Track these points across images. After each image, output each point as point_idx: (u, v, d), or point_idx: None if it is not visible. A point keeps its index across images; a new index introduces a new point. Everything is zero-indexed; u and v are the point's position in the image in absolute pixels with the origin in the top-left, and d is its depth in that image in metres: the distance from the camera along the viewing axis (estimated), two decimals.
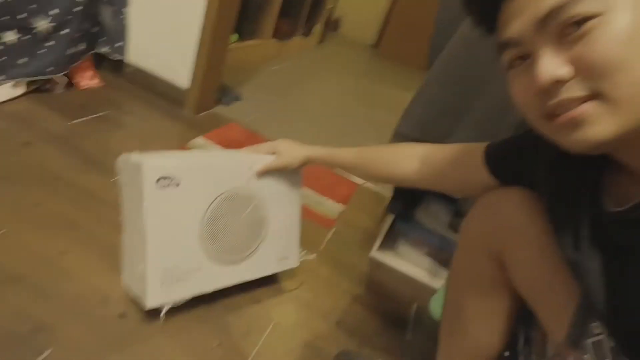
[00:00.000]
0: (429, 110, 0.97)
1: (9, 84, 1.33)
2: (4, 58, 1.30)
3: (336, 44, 4.34)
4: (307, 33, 3.39)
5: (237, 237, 0.89)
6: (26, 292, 0.80)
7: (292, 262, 1.00)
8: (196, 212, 0.83)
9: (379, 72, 3.95)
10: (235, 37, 2.38)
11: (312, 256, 1.04)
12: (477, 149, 0.70)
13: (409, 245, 1.28)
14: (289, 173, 0.95)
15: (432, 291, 1.22)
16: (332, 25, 4.45)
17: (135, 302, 0.85)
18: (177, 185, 0.78)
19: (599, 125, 0.41)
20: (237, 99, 2.01)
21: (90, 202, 1.07)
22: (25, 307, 0.77)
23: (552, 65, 0.42)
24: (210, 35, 1.60)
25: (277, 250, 0.97)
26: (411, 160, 0.77)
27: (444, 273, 1.26)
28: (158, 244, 0.79)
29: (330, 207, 1.42)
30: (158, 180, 0.76)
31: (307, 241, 1.11)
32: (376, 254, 1.28)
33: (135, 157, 0.77)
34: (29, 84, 1.40)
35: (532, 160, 0.63)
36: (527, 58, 0.45)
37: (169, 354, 0.79)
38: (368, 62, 4.32)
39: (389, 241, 1.31)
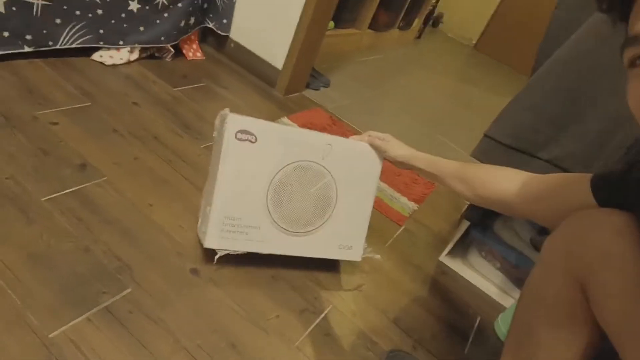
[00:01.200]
0: (529, 116, 0.90)
1: (127, 48, 1.48)
2: (125, 25, 1.43)
3: (435, 40, 4.20)
4: (405, 27, 3.31)
5: (302, 210, 0.91)
6: (117, 234, 0.89)
7: (354, 254, 1.00)
8: (267, 172, 0.87)
9: (476, 74, 3.76)
10: (331, 24, 2.40)
11: (377, 256, 1.03)
12: (583, 178, 0.64)
13: (481, 257, 1.21)
14: (370, 162, 0.95)
15: (499, 308, 1.15)
16: (433, 21, 4.31)
17: (207, 261, 0.90)
18: (254, 141, 0.84)
19: None
20: (326, 85, 2.03)
21: (181, 164, 1.15)
22: (115, 247, 0.86)
23: None
24: (308, 21, 1.63)
25: (341, 236, 0.97)
26: (510, 183, 0.73)
27: (515, 292, 1.18)
28: (226, 192, 0.85)
29: (404, 204, 1.39)
30: (238, 132, 0.83)
31: (375, 234, 1.11)
32: (445, 259, 1.23)
33: (227, 111, 0.84)
34: (142, 50, 1.54)
35: (631, 189, 0.56)
36: None
37: (229, 315, 0.83)
38: (466, 62, 4.12)
39: (461, 249, 1.26)
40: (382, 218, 1.30)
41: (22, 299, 0.71)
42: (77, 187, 0.95)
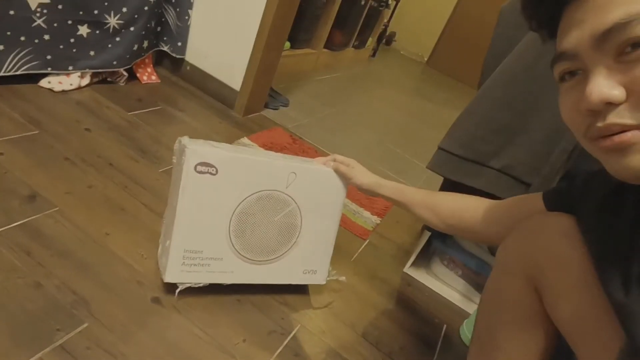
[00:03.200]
0: (479, 127, 0.94)
1: (77, 73, 1.43)
2: (75, 50, 1.40)
3: (389, 58, 4.35)
4: (360, 45, 3.41)
5: (265, 238, 0.91)
6: (71, 267, 0.85)
7: (319, 277, 0.99)
8: (229, 204, 0.85)
9: (429, 89, 3.91)
10: (288, 44, 2.44)
11: (342, 278, 1.03)
12: (536, 197, 0.69)
13: (443, 265, 1.24)
14: (335, 189, 0.95)
15: (464, 315, 1.17)
16: (386, 40, 4.46)
17: (168, 290, 0.88)
18: (215, 173, 0.82)
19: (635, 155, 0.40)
20: (285, 104, 2.05)
21: (138, 190, 1.12)
22: (69, 280, 0.82)
23: (605, 85, 0.40)
24: (265, 41, 1.65)
25: (305, 262, 0.97)
26: (475, 212, 0.77)
27: (477, 297, 1.21)
28: (186, 225, 0.83)
29: (367, 218, 1.41)
30: (197, 164, 0.80)
31: (340, 249, 1.11)
32: (410, 270, 1.25)
33: (186, 140, 0.82)
34: (93, 74, 1.50)
35: (583, 194, 0.60)
36: (577, 74, 0.43)
37: (195, 342, 0.81)
38: (419, 77, 4.28)
39: (424, 259, 1.28)
40: (346, 233, 1.31)
41: None
42: (25, 220, 0.91)
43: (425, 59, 4.76)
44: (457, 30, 4.47)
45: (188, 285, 0.86)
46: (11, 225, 0.88)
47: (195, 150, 0.81)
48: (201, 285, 0.88)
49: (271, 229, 0.91)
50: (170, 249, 0.83)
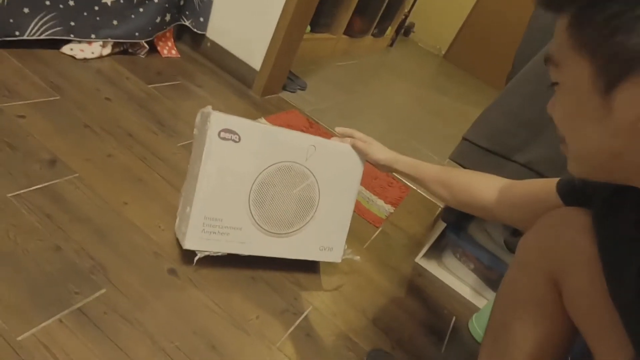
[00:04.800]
0: (506, 120, 0.93)
1: (99, 42, 1.42)
2: (98, 18, 1.38)
3: (406, 49, 4.30)
4: (379, 34, 3.37)
5: (283, 211, 0.91)
6: (90, 233, 0.85)
7: (335, 255, 0.99)
8: (249, 172, 0.86)
9: (445, 83, 3.87)
10: (307, 28, 2.41)
11: (357, 258, 1.03)
12: (550, 184, 0.68)
13: (456, 258, 1.24)
14: (353, 165, 0.95)
15: (473, 308, 1.17)
16: (405, 30, 4.40)
17: (184, 261, 0.88)
18: (238, 141, 0.83)
19: (569, 163, 0.49)
20: (302, 88, 2.04)
21: (157, 162, 1.12)
22: (87, 245, 0.82)
23: (550, 102, 0.49)
24: (288, 22, 1.63)
25: (322, 238, 0.97)
26: (489, 189, 0.76)
27: (488, 293, 1.21)
28: (208, 192, 0.83)
29: (381, 206, 1.41)
30: (221, 131, 0.81)
31: (353, 235, 1.11)
32: (421, 260, 1.25)
33: (209, 109, 0.82)
34: (115, 45, 1.49)
35: (593, 193, 0.59)
36: None
37: (209, 316, 0.81)
38: (436, 71, 4.23)
39: (436, 250, 1.28)
40: (359, 220, 1.30)
41: None
42: (46, 184, 0.91)
43: (443, 52, 4.70)
44: (476, 26, 4.40)
45: (206, 253, 0.86)
46: (32, 188, 0.88)
47: (219, 116, 0.81)
48: (219, 254, 0.88)
49: (290, 201, 0.91)
50: (191, 215, 0.83)
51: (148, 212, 0.96)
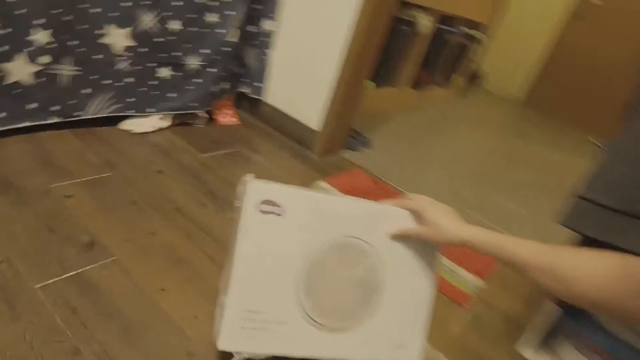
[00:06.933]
0: (634, 171, 0.69)
1: (157, 116, 1.42)
2: (156, 92, 1.39)
3: (478, 97, 4.06)
4: (446, 84, 3.20)
5: (341, 298, 0.72)
6: (117, 331, 0.73)
7: (410, 354, 0.77)
8: (297, 253, 0.70)
9: (528, 130, 3.53)
10: (371, 84, 2.32)
11: (439, 355, 0.80)
12: None
13: (575, 350, 0.94)
14: None
15: None
16: (476, 79, 4.20)
17: None
18: (280, 215, 0.68)
19: None
20: (365, 145, 1.90)
21: (202, 238, 1.01)
22: (111, 347, 0.70)
23: None
24: (345, 82, 1.54)
25: (392, 332, 0.76)
26: (615, 278, 0.52)
27: None
28: (245, 278, 0.68)
29: (466, 279, 1.16)
30: (261, 203, 0.67)
31: (432, 319, 0.88)
32: (525, 350, 0.96)
33: (249, 177, 0.69)
34: (174, 117, 1.48)
35: None
36: None
37: None
38: (514, 118, 3.92)
39: (544, 338, 0.99)
40: (439, 297, 1.07)
41: None
42: (78, 270, 0.82)
43: (521, 98, 4.38)
44: (559, 65, 4.07)
45: (245, 356, 0.70)
46: (63, 277, 0.80)
47: (257, 186, 0.68)
48: (262, 358, 0.71)
49: (349, 286, 0.73)
50: (227, 308, 0.68)
51: (186, 299, 0.83)
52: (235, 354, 0.69)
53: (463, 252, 1.25)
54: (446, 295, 1.08)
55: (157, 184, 1.16)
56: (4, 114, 1.11)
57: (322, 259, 0.71)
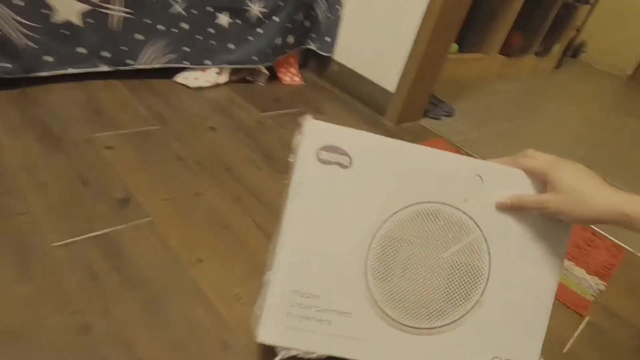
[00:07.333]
0: None
1: (215, 70, 1.28)
2: (213, 42, 1.24)
3: (578, 71, 3.55)
4: (543, 53, 2.78)
5: (425, 289, 0.52)
6: (138, 306, 0.59)
7: None
8: (367, 219, 0.50)
9: (635, 106, 3.00)
10: (455, 47, 2.03)
11: None
12: None
13: None
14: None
15: None
16: (575, 50, 3.66)
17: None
18: (348, 166, 0.49)
19: None
20: (449, 114, 1.64)
21: (252, 203, 0.85)
22: (126, 326, 0.56)
23: None
24: (427, 40, 1.30)
25: (497, 340, 0.55)
26: None
27: None
28: (297, 247, 0.50)
29: (583, 280, 0.90)
30: (321, 149, 0.49)
31: None
32: None
33: (308, 118, 0.50)
34: (233, 72, 1.33)
35: None
36: None
37: None
38: (620, 93, 3.36)
39: None
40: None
41: None
42: (106, 230, 0.69)
43: (629, 73, 3.77)
44: None
45: (293, 353, 0.52)
46: (87, 235, 0.67)
47: (318, 127, 0.49)
48: (314, 357, 0.53)
49: (437, 271, 0.52)
50: (270, 287, 0.51)
51: (227, 274, 0.68)
52: (278, 350, 0.52)
53: (575, 245, 0.99)
54: (561, 301, 0.84)
55: (208, 141, 1.02)
56: (50, 58, 1.02)
57: (402, 232, 0.51)
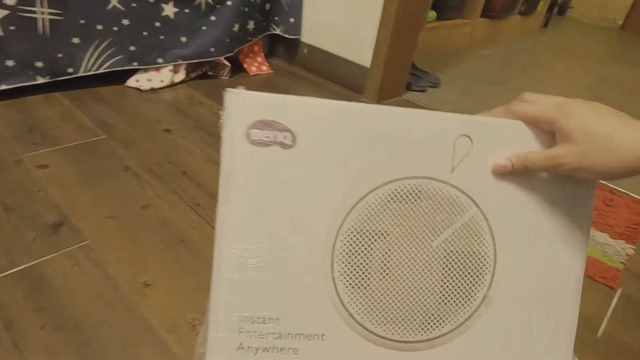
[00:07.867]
0: None
1: (168, 67, 1.15)
2: (162, 37, 1.12)
3: (566, 27, 3.41)
4: (528, 11, 2.64)
5: (416, 289, 0.40)
6: (67, 352, 0.47)
7: None
8: (325, 211, 0.38)
9: (631, 54, 2.87)
10: (433, 14, 1.90)
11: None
12: None
13: None
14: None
15: None
16: (559, 8, 3.52)
17: None
18: (290, 145, 0.36)
19: None
20: (434, 84, 1.51)
21: (213, 209, 0.73)
22: None
23: None
24: (396, 2, 1.17)
25: (516, 339, 0.42)
26: None
27: None
28: (238, 261, 0.38)
29: (609, 246, 0.78)
30: (252, 126, 0.35)
31: None
32: None
33: (235, 90, 0.37)
34: (191, 69, 1.21)
35: None
36: None
37: None
38: (614, 44, 3.22)
39: None
40: None
41: None
42: (31, 263, 0.58)
43: (620, 23, 3.63)
44: None
45: None
46: (6, 273, 0.56)
47: (245, 98, 0.36)
48: None
49: (426, 267, 0.40)
50: (212, 318, 0.38)
51: (180, 298, 0.56)
52: None
53: (596, 207, 0.86)
54: (587, 274, 0.71)
55: (161, 145, 0.90)
56: None
57: (373, 223, 0.39)
